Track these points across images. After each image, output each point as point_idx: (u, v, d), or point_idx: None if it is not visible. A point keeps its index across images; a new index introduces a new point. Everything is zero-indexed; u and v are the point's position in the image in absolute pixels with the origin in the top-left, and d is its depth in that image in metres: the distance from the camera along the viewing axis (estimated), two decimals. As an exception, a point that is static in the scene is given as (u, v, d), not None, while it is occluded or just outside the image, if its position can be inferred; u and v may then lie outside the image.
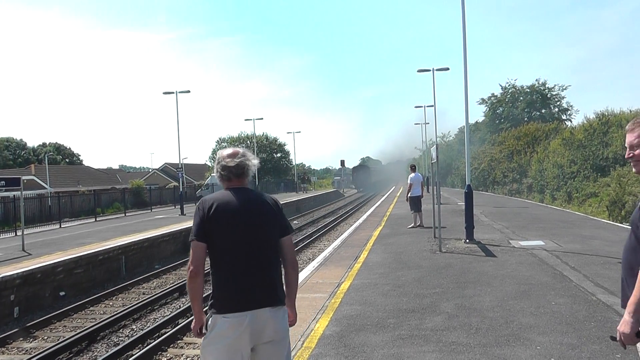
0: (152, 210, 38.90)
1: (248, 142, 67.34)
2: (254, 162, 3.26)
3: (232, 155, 3.20)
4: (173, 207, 40.58)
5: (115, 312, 11.71)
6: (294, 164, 76.60)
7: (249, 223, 3.06)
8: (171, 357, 8.73)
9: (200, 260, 3.03)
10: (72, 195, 37.36)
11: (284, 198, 45.27)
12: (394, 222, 19.14)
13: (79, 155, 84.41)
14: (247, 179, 3.24)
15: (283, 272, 3.23)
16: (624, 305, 2.58)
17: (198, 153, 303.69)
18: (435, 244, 12.60)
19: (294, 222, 32.41)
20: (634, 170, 2.65)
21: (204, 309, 3.13)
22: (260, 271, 3.05)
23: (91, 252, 15.39)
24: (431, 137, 62.64)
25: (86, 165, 73.69)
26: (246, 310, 2.97)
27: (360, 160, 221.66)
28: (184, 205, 32.84)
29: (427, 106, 44.13)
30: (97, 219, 31.29)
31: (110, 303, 13.12)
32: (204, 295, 3.18)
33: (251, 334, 2.97)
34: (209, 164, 77.77)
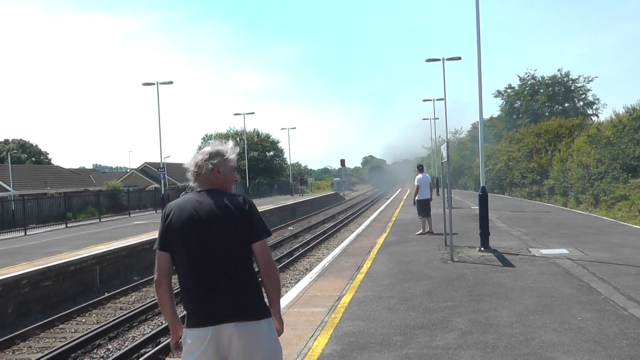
0: (131, 215, 38.86)
1: (237, 139, 67.38)
2: (230, 158, 3.33)
3: (201, 154, 3.31)
4: (154, 212, 40.57)
5: (89, 330, 11.67)
6: (288, 163, 76.69)
7: (203, 231, 3.12)
8: (151, 380, 8.71)
9: (163, 270, 3.20)
10: (39, 198, 37.25)
11: (278, 201, 45.24)
12: (400, 228, 19.16)
13: (47, 154, 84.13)
14: (217, 179, 3.29)
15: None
16: None
17: (182, 151, 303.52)
18: (447, 252, 12.59)
19: (289, 228, 32.42)
20: None
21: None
22: (221, 283, 3.10)
23: (61, 263, 15.35)
24: (441, 133, 62.85)
25: (55, 164, 73.52)
26: (206, 325, 3.06)
27: (362, 159, 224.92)
28: (166, 210, 32.77)
29: (437, 99, 44.27)
30: (68, 225, 31.24)
31: (83, 320, 13.08)
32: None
33: (217, 350, 3.06)
34: (194, 163, 77.41)
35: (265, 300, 3.23)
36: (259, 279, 3.24)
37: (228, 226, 3.13)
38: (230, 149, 3.37)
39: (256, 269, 3.24)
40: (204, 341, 3.04)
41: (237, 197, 3.27)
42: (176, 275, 3.24)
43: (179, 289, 3.27)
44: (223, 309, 3.06)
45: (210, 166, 3.25)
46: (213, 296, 3.08)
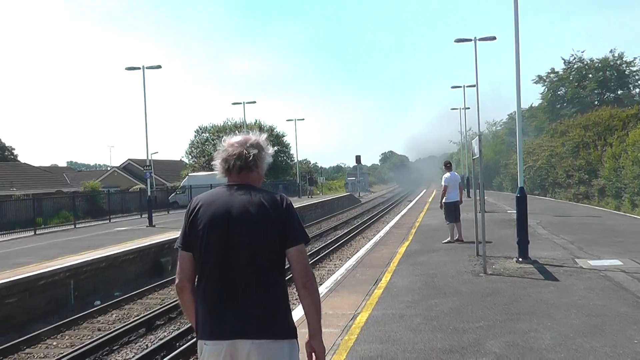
0: (112, 220, 38.97)
1: (236, 131, 67.15)
2: (268, 152, 3.46)
3: (237, 144, 3.37)
4: (139, 216, 40.67)
5: (61, 355, 11.71)
6: (295, 160, 76.74)
7: (231, 229, 3.18)
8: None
9: (186, 272, 3.28)
10: (3, 201, 37.46)
11: (281, 205, 45.26)
12: (424, 236, 19.19)
13: (13, 149, 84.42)
14: (254, 174, 3.39)
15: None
16: None
17: (172, 147, 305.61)
18: (479, 263, 12.60)
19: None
20: None
21: None
22: (244, 291, 3.15)
23: (29, 276, 15.40)
24: (473, 125, 62.68)
25: (23, 162, 73.92)
26: (220, 339, 3.12)
27: (381, 155, 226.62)
28: (153, 214, 32.80)
29: (468, 86, 44.01)
30: (38, 232, 31.35)
31: (54, 343, 13.12)
32: None
33: None
34: (185, 160, 77.96)
35: (293, 318, 3.27)
36: (286, 294, 3.28)
37: (261, 226, 3.18)
38: (267, 142, 3.48)
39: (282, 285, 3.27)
40: (218, 356, 3.10)
41: (273, 194, 3.34)
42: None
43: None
44: (242, 322, 3.11)
45: (252, 158, 3.33)
46: (233, 307, 3.14)
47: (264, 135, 3.49)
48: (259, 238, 3.16)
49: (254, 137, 3.42)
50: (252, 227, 3.16)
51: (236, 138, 3.41)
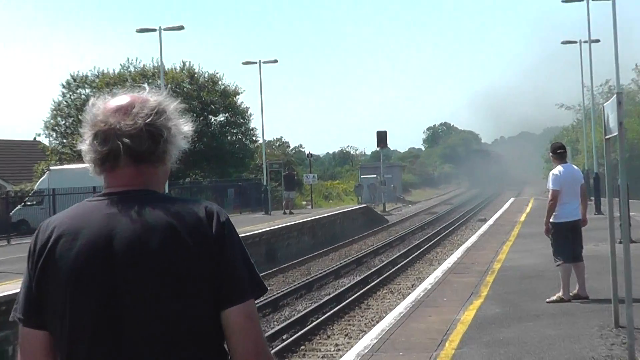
0: None
1: (145, 84, 67.21)
2: (182, 127, 3.42)
3: (124, 110, 3.24)
4: (-48, 250, 40.98)
5: None
6: (260, 140, 76.26)
7: (120, 282, 3.07)
8: None
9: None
10: None
11: (238, 226, 45.34)
12: (511, 288, 19.36)
13: None
14: (162, 168, 3.41)
15: None
16: None
17: (19, 117, 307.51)
18: (620, 342, 12.63)
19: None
20: None
21: None
22: None
23: None
24: (609, 76, 62.63)
25: None
26: None
27: (426, 132, 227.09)
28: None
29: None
30: None
31: None
32: None
33: None
34: (44, 141, 78.21)
35: None
36: None
37: (172, 272, 3.09)
38: (177, 107, 3.42)
39: None
40: None
41: (193, 205, 3.29)
42: None
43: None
44: None
45: (164, 137, 3.27)
46: None
47: (176, 101, 3.40)
48: (171, 296, 3.07)
49: (153, 97, 3.33)
50: (156, 276, 3.07)
51: (120, 99, 3.30)
